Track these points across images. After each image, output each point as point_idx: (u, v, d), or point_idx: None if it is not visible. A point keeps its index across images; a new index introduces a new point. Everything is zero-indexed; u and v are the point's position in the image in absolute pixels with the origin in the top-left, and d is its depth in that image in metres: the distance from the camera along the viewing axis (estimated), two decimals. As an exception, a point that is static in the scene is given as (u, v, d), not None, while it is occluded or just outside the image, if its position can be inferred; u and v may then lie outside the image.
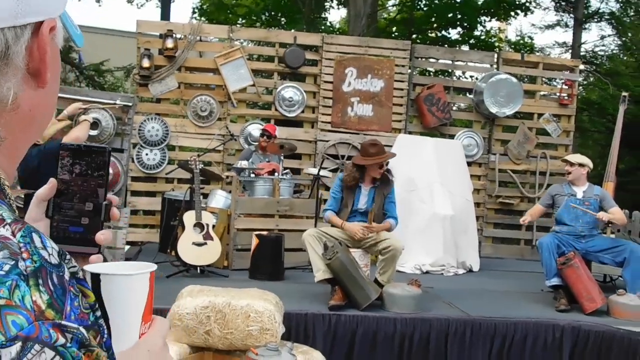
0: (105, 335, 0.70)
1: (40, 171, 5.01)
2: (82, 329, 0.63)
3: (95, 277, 0.85)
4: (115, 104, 7.12)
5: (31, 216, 0.97)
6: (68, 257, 0.69)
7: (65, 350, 0.60)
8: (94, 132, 6.92)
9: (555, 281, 6.36)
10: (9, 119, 0.74)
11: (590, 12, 16.48)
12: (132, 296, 0.87)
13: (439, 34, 17.49)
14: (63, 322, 0.62)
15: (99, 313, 0.71)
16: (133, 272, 0.89)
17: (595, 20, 16.87)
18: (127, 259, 7.01)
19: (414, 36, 16.05)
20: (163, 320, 0.94)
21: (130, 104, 7.20)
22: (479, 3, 16.85)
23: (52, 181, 0.96)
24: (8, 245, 0.62)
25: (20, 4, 0.70)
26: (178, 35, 9.56)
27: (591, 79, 16.46)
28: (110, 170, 6.77)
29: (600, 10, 16.79)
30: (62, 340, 0.61)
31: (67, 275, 0.66)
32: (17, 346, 0.57)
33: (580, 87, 13.00)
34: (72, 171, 0.96)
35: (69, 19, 0.72)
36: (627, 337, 5.76)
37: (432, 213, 8.03)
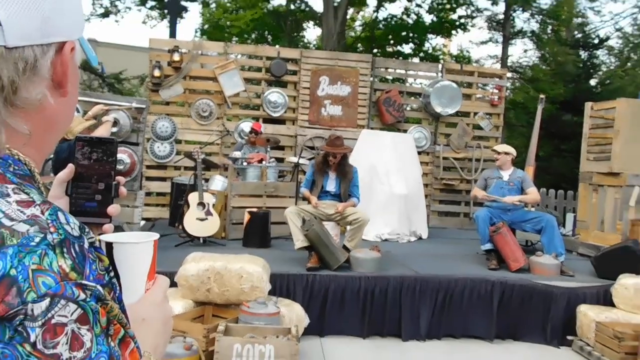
0: (118, 291, 0.72)
1: (69, 161, 4.94)
2: (99, 287, 0.66)
3: (109, 245, 0.88)
4: (131, 106, 7.04)
5: (54, 194, 1.00)
6: (87, 230, 0.70)
7: (86, 304, 0.63)
8: (114, 129, 6.83)
9: (487, 246, 6.44)
10: (37, 120, 0.75)
11: (515, 30, 16.57)
12: (138, 260, 0.89)
13: (395, 49, 17.51)
14: (84, 282, 0.64)
15: (112, 274, 0.72)
16: (139, 240, 0.91)
17: (520, 37, 16.98)
18: (142, 232, 6.97)
19: (375, 50, 16.00)
20: (164, 279, 0.96)
21: (143, 106, 7.12)
22: (427, 24, 16.88)
23: (70, 166, 0.98)
24: (38, 221, 0.64)
25: (47, 27, 0.72)
26: (183, 50, 9.49)
27: (516, 84, 16.58)
28: (128, 160, 6.75)
29: (524, 29, 16.91)
30: (83, 296, 0.63)
31: (86, 245, 0.67)
32: (47, 301, 0.60)
33: (508, 91, 13.07)
34: (86, 157, 0.97)
35: (85, 42, 0.72)
36: (543, 289, 5.82)
37: (389, 193, 8.07)
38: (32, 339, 0.58)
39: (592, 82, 14.26)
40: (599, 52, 15.56)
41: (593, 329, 5.39)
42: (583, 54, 14.62)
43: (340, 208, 5.95)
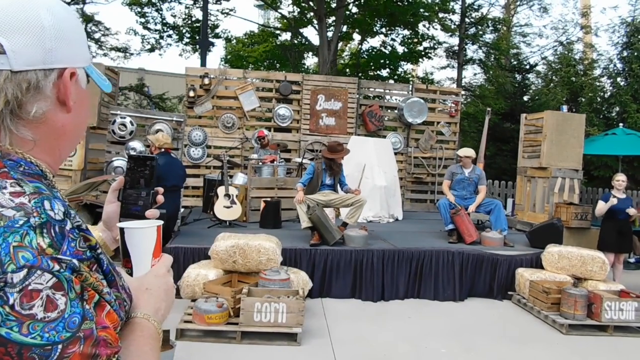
0: (105, 265, 0.70)
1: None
2: (74, 261, 0.63)
3: (122, 230, 0.87)
4: (172, 120, 7.00)
5: (109, 199, 1.00)
6: (73, 215, 0.68)
7: (60, 274, 0.61)
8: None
9: (449, 226, 6.43)
10: (44, 129, 0.73)
11: (467, 58, 16.49)
12: (143, 241, 0.88)
13: (375, 73, 17.43)
14: (59, 256, 0.62)
15: (99, 251, 0.70)
16: (144, 226, 0.89)
17: (470, 63, 16.92)
18: (182, 217, 6.95)
19: (360, 74, 15.93)
20: (168, 257, 0.93)
21: (181, 120, 7.08)
22: (399, 53, 16.80)
23: (120, 178, 0.97)
24: (24, 208, 0.63)
25: (49, 56, 0.71)
26: (212, 76, 9.42)
27: (469, 100, 16.52)
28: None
29: (473, 57, 16.85)
30: (57, 267, 0.61)
31: (68, 227, 0.65)
32: (24, 272, 0.59)
33: (462, 105, 13.03)
34: (133, 171, 0.97)
35: (95, 72, 0.70)
36: (491, 257, 5.83)
37: (373, 185, 8.04)
38: (11, 301, 0.57)
39: (525, 98, 14.19)
40: (529, 75, 15.51)
41: (527, 286, 5.42)
42: (518, 77, 14.56)
43: (357, 192, 6.00)
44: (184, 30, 16.24)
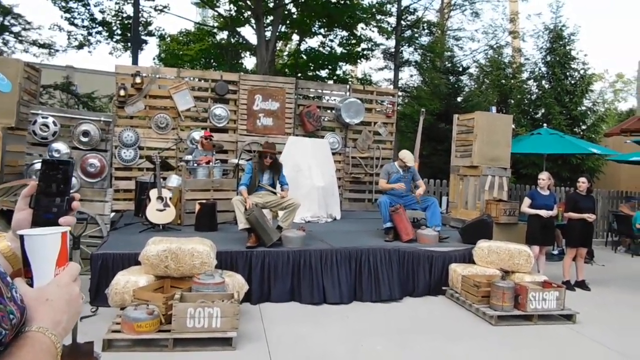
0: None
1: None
2: None
3: (21, 237, 0.82)
4: (100, 120, 6.68)
5: (19, 207, 0.95)
6: None
7: None
8: (85, 139, 6.48)
9: (388, 225, 6.56)
10: None
11: (403, 60, 16.94)
12: (45, 249, 0.83)
13: (314, 73, 17.51)
14: None
15: None
16: (46, 232, 0.84)
17: (407, 65, 17.36)
18: (112, 222, 6.65)
19: (298, 74, 15.95)
20: (75, 265, 0.89)
21: (110, 120, 6.77)
22: (338, 54, 16.99)
23: (32, 183, 0.92)
24: None
25: None
26: (144, 74, 9.10)
27: (405, 100, 16.96)
28: (98, 164, 6.41)
29: (410, 60, 17.32)
30: None
31: None
32: None
33: (399, 106, 13.37)
34: (47, 176, 0.92)
35: None
36: (427, 254, 6.02)
37: (311, 184, 8.08)
38: None
39: (459, 99, 14.77)
40: (463, 77, 16.14)
41: (460, 281, 5.63)
42: (452, 79, 15.11)
43: (283, 194, 5.96)
44: (114, 27, 15.58)
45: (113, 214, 6.98)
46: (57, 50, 16.44)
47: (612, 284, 7.08)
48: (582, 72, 13.81)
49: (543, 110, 13.84)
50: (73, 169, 0.95)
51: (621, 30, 56.75)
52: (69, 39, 15.56)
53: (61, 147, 6.53)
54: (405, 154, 6.92)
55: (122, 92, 8.90)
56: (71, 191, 0.95)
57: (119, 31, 15.64)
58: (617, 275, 7.79)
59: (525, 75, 15.87)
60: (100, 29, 15.45)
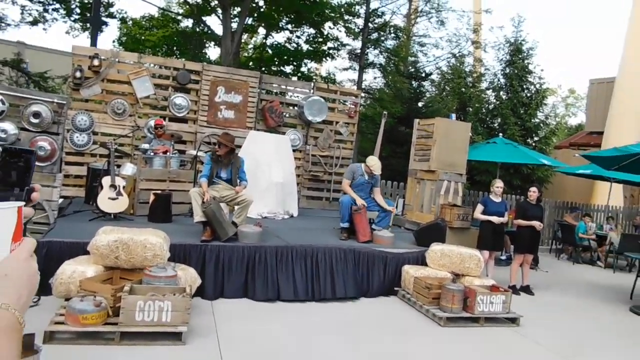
0: None
1: None
2: None
3: None
4: (53, 101, 6.40)
5: None
6: None
7: None
8: (36, 121, 6.19)
9: (345, 224, 6.60)
10: None
11: (368, 62, 17.10)
12: (1, 224, 0.81)
13: (279, 69, 17.42)
14: None
15: None
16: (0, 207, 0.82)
17: (371, 67, 17.53)
18: (60, 209, 6.40)
19: (263, 69, 15.83)
20: (30, 240, 0.86)
21: (64, 102, 6.49)
22: (304, 51, 16.97)
23: None
24: None
25: None
26: (102, 57, 8.78)
27: (368, 102, 17.11)
28: (48, 147, 6.15)
29: (374, 62, 17.50)
30: None
31: None
32: None
33: (361, 107, 13.49)
34: (7, 165, 0.88)
35: None
36: (382, 255, 6.10)
37: (270, 180, 8.04)
38: None
39: (420, 104, 15.06)
40: (425, 83, 16.47)
41: (412, 282, 5.75)
42: (414, 83, 15.40)
43: (238, 189, 5.84)
44: (73, 5, 14.96)
45: (61, 200, 6.70)
46: (9, 25, 15.60)
47: (554, 289, 7.42)
48: (537, 85, 14.39)
49: (499, 120, 14.32)
50: (36, 159, 0.91)
51: (576, 44, 59.48)
52: (22, 13, 14.84)
53: (8, 128, 6.21)
54: (374, 162, 6.77)
55: (78, 74, 8.57)
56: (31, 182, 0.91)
57: (78, 10, 15.03)
58: (559, 281, 8.17)
59: (484, 84, 16.37)
60: (57, 5, 14.81)
